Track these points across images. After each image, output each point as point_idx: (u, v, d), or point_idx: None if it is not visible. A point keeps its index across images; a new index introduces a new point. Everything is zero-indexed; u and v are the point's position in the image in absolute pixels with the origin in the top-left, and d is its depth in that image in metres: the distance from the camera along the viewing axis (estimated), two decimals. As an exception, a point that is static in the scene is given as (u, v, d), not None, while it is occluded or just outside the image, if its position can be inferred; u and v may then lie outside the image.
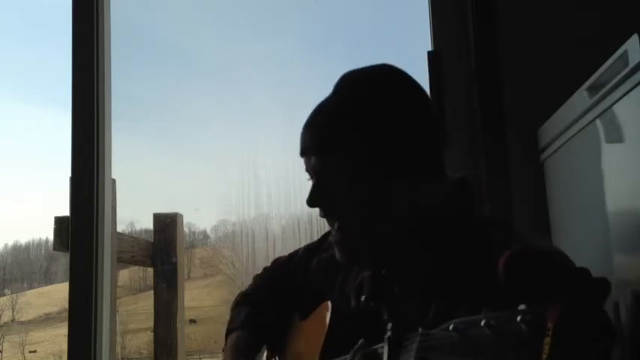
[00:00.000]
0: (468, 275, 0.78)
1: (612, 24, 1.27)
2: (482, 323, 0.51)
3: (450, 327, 0.53)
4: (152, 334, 2.68)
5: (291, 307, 1.11)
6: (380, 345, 0.67)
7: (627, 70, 0.97)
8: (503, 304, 0.51)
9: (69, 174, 1.71)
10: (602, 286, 0.49)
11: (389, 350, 0.61)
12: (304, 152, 0.91)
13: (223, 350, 1.10)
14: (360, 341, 0.71)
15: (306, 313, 1.06)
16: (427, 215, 0.88)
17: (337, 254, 0.92)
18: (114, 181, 1.84)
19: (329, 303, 0.97)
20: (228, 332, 1.12)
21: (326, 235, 1.11)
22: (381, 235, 0.88)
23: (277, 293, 1.14)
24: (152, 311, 2.68)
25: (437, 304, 0.79)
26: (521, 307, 0.49)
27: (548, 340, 0.47)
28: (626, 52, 0.97)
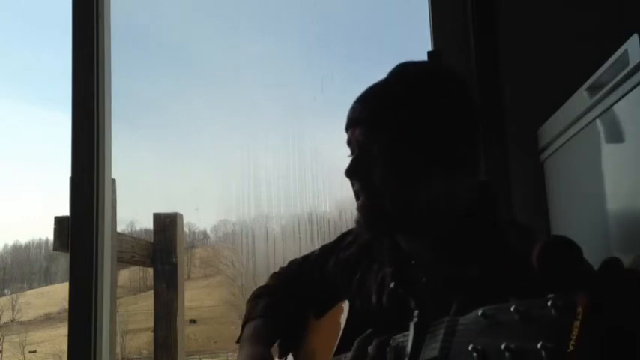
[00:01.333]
0: (493, 271, 0.81)
1: (612, 24, 1.27)
2: (512, 309, 0.51)
3: (479, 313, 0.54)
4: (152, 334, 2.68)
5: (306, 306, 1.12)
6: (402, 334, 0.68)
7: (627, 70, 0.97)
8: (532, 294, 0.51)
9: (69, 174, 1.71)
10: (635, 275, 0.49)
11: (415, 335, 0.61)
12: (352, 124, 0.94)
13: (238, 341, 1.11)
14: (368, 330, 0.71)
15: (321, 312, 1.07)
16: (457, 207, 0.91)
17: (358, 217, 0.93)
18: (114, 181, 1.84)
19: (345, 303, 0.98)
20: (246, 322, 1.13)
21: (343, 236, 1.13)
22: (409, 212, 0.90)
23: (294, 290, 1.15)
24: (152, 311, 2.68)
25: (462, 297, 0.80)
26: (550, 295, 0.49)
27: (577, 323, 0.46)
28: (626, 52, 0.97)
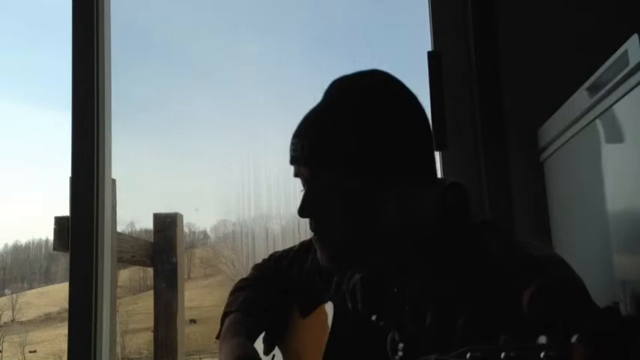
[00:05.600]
0: (473, 289, 0.78)
1: (612, 24, 1.27)
2: (502, 355, 0.49)
3: (468, 355, 0.52)
4: (152, 334, 2.68)
5: (288, 300, 1.11)
6: None
7: (627, 70, 0.97)
8: (521, 332, 0.50)
9: (69, 174, 1.71)
10: (633, 325, 0.48)
11: None
12: (295, 162, 0.89)
13: (218, 337, 1.09)
14: None
15: (306, 310, 1.05)
16: (424, 219, 0.87)
17: (319, 253, 0.90)
18: (114, 181, 1.84)
19: (330, 304, 0.97)
20: (225, 315, 1.11)
21: None
22: (372, 243, 0.87)
23: (275, 284, 1.14)
24: (152, 311, 2.68)
25: (447, 323, 0.78)
26: (542, 339, 0.48)
27: None
28: (626, 52, 0.97)
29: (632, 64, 0.95)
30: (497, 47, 1.57)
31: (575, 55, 1.42)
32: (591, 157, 1.16)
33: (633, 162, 1.00)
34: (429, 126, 0.90)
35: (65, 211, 1.72)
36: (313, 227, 0.89)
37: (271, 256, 1.21)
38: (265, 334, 1.13)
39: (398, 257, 0.89)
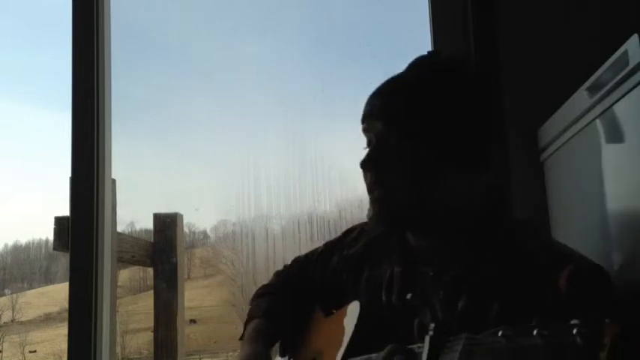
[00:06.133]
0: (511, 280, 0.81)
1: (612, 24, 1.27)
2: (535, 332, 0.50)
3: (499, 333, 0.52)
4: (152, 334, 2.68)
5: (310, 304, 1.12)
6: (416, 345, 0.67)
7: (627, 70, 0.97)
8: (554, 317, 0.51)
9: (69, 174, 1.71)
10: None
11: (429, 350, 0.60)
12: (369, 116, 0.94)
13: (241, 339, 1.11)
14: (390, 346, 0.70)
15: (328, 309, 1.07)
16: (468, 207, 0.91)
17: (370, 211, 0.93)
18: (114, 181, 1.84)
19: (353, 305, 0.98)
20: (248, 320, 1.13)
21: (347, 232, 1.13)
22: (421, 208, 0.90)
23: (297, 288, 1.15)
24: (152, 311, 2.68)
25: (480, 310, 0.82)
26: (574, 321, 0.48)
27: (603, 355, 0.46)
28: (626, 52, 0.97)
29: (632, 64, 0.95)
30: (497, 47, 1.57)
31: (575, 55, 1.42)
32: (591, 157, 1.16)
33: (633, 162, 1.00)
34: (493, 118, 0.95)
35: (65, 211, 1.72)
36: (371, 182, 0.92)
37: (294, 261, 1.22)
38: (284, 336, 1.14)
39: (441, 235, 0.92)
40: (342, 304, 1.01)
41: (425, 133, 0.88)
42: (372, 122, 0.93)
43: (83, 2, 1.75)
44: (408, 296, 0.91)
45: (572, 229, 1.30)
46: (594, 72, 1.08)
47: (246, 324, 1.13)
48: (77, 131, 1.71)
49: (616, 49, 1.00)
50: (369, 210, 0.94)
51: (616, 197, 1.07)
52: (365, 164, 0.92)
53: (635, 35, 0.94)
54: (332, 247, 1.13)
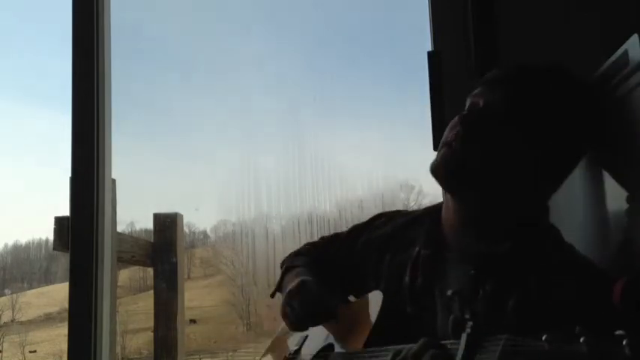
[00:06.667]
0: (558, 288, 0.84)
1: (612, 24, 1.27)
2: (582, 340, 0.50)
3: (543, 337, 0.52)
4: (152, 334, 2.69)
5: (335, 281, 1.12)
6: (450, 342, 0.67)
7: (627, 70, 0.97)
8: (598, 327, 0.51)
9: (69, 174, 1.71)
10: None
11: (466, 348, 0.59)
12: (492, 82, 0.96)
13: (273, 295, 1.12)
14: (423, 339, 0.71)
15: (352, 292, 1.07)
16: (530, 214, 0.96)
17: (437, 163, 0.94)
18: (114, 181, 1.84)
19: (375, 294, 0.98)
20: (285, 273, 1.13)
21: (376, 217, 1.13)
22: (492, 191, 0.92)
23: (326, 260, 1.15)
24: (152, 311, 2.68)
25: (494, 279, 0.85)
26: (620, 332, 0.49)
27: None
28: (626, 52, 0.97)
29: (632, 64, 0.95)
30: (498, 47, 1.57)
31: (575, 55, 1.42)
32: (591, 157, 1.16)
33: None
34: (583, 139, 0.98)
35: (65, 211, 1.72)
36: (455, 135, 0.93)
37: (321, 238, 1.22)
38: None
39: (495, 230, 0.93)
40: (363, 291, 1.01)
41: (531, 133, 0.90)
42: (492, 91, 0.94)
43: (83, 2, 1.75)
44: (449, 292, 0.91)
45: (572, 229, 1.29)
46: (594, 72, 1.08)
47: (282, 275, 1.13)
48: (77, 131, 1.71)
49: (616, 49, 1.00)
50: (433, 163, 0.94)
51: (616, 197, 1.07)
52: (464, 118, 0.93)
53: (635, 35, 0.94)
54: (359, 230, 1.13)
